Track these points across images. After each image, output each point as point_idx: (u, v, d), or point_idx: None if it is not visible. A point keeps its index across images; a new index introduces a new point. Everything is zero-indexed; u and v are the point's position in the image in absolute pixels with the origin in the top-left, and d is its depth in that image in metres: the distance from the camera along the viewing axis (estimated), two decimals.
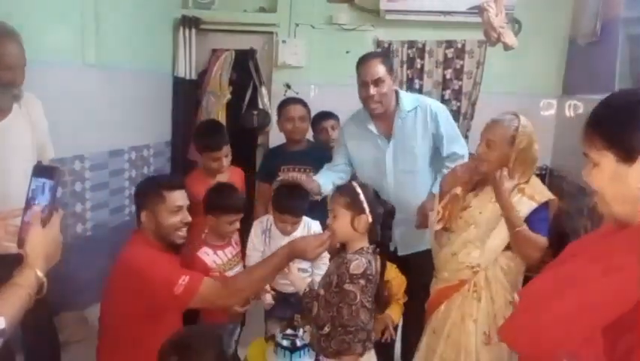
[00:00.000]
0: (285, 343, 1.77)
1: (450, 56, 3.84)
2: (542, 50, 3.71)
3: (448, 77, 3.87)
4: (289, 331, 1.81)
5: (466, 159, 2.28)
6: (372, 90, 2.21)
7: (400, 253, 2.40)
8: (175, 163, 4.11)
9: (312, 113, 2.96)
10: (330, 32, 3.99)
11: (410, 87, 3.87)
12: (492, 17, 2.50)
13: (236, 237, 2.34)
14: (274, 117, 3.76)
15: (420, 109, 2.32)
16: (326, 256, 2.09)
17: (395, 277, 2.12)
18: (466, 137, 3.78)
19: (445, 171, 2.22)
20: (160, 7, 3.88)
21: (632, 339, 0.97)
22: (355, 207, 1.68)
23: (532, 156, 1.86)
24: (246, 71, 4.12)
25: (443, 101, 3.83)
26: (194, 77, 4.10)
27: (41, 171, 1.10)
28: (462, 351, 1.88)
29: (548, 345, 1.05)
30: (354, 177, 2.56)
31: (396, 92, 2.34)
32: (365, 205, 1.68)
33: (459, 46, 3.82)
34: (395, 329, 2.21)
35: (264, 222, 2.35)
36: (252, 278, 1.73)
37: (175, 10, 4.07)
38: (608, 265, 0.97)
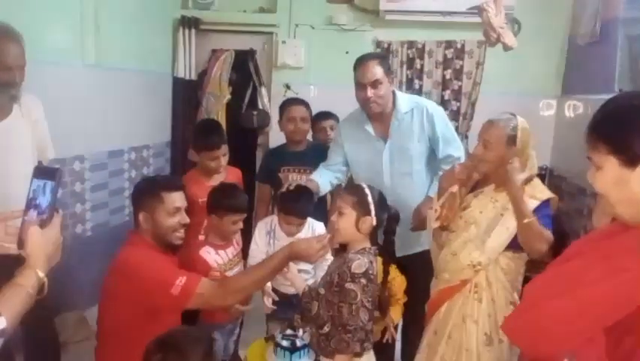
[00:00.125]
0: (284, 343, 1.77)
1: (449, 56, 3.85)
2: (542, 50, 3.72)
3: (447, 77, 3.87)
4: (289, 331, 1.81)
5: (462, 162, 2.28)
6: (370, 92, 2.20)
7: (397, 255, 2.40)
8: (175, 164, 4.10)
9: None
10: (329, 33, 3.99)
11: (410, 87, 3.88)
12: (491, 17, 2.51)
13: (237, 237, 2.34)
14: (274, 117, 3.77)
15: (416, 110, 2.32)
16: (329, 257, 2.10)
17: (395, 277, 2.12)
18: (465, 137, 3.79)
19: (441, 173, 2.21)
20: (160, 8, 3.88)
21: (635, 340, 0.97)
22: (362, 208, 1.69)
23: (526, 155, 1.87)
24: (245, 71, 4.12)
25: (443, 101, 3.84)
26: (193, 77, 4.10)
27: (42, 171, 1.10)
28: (463, 352, 1.88)
29: (550, 344, 1.05)
30: (350, 178, 2.57)
31: (393, 93, 2.34)
32: (372, 208, 1.68)
33: (458, 46, 3.82)
34: (395, 329, 2.21)
35: (268, 224, 2.34)
36: (251, 279, 1.73)
37: (175, 10, 4.07)
38: (613, 266, 0.97)
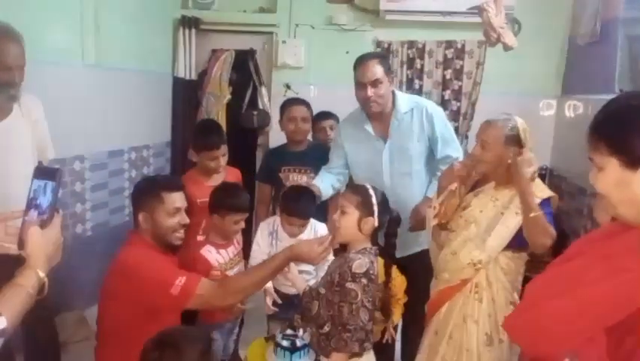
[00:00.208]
0: (284, 343, 1.76)
1: (450, 56, 3.84)
2: (542, 50, 3.71)
3: (447, 77, 3.87)
4: (289, 331, 1.81)
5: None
6: (370, 92, 2.20)
7: (397, 255, 2.40)
8: (175, 164, 4.10)
9: None
10: (329, 33, 3.99)
11: (410, 87, 3.88)
12: (492, 17, 2.50)
13: (238, 236, 2.34)
14: (274, 117, 3.77)
15: (416, 110, 2.31)
16: (330, 257, 2.10)
17: (395, 278, 2.12)
18: (466, 137, 3.79)
19: (439, 174, 2.21)
20: (160, 8, 3.88)
21: (636, 341, 0.97)
22: (365, 209, 1.69)
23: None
24: (245, 71, 4.12)
25: (443, 101, 3.84)
26: (194, 77, 4.10)
27: (43, 172, 1.10)
28: (464, 352, 1.88)
29: (550, 343, 1.05)
30: (350, 179, 2.56)
31: (393, 93, 2.33)
32: (375, 209, 1.68)
33: (459, 46, 3.82)
34: (395, 329, 2.21)
35: (270, 224, 2.34)
36: (251, 280, 1.73)
37: (175, 10, 4.07)
38: (614, 266, 0.97)
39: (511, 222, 1.84)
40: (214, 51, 4.15)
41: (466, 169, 1.95)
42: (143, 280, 1.67)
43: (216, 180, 2.52)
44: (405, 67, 3.90)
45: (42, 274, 1.02)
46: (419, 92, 3.83)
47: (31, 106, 2.14)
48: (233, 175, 2.72)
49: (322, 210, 2.45)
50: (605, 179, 1.00)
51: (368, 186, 1.75)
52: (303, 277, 1.96)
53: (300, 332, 1.80)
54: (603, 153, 0.99)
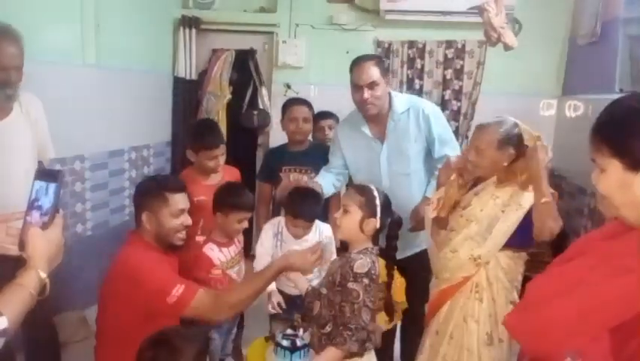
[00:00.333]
0: (285, 343, 1.77)
1: (450, 56, 3.85)
2: (542, 50, 3.72)
3: (448, 77, 3.87)
4: (289, 331, 1.81)
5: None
6: (367, 94, 2.19)
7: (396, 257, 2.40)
8: (175, 163, 4.10)
9: None
10: (330, 32, 3.99)
11: (410, 87, 3.88)
12: (492, 17, 2.51)
13: (238, 235, 2.34)
14: (274, 117, 3.77)
15: (412, 110, 2.31)
16: (333, 257, 2.10)
17: (395, 279, 2.12)
18: (466, 137, 3.79)
19: (437, 173, 2.21)
20: (160, 8, 3.88)
21: (638, 341, 0.97)
22: (368, 209, 1.69)
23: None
24: (246, 71, 4.12)
25: (443, 101, 3.84)
26: (194, 77, 4.10)
27: (44, 173, 1.09)
28: (464, 352, 1.88)
29: (551, 343, 1.05)
30: (349, 179, 2.57)
31: (390, 94, 2.33)
32: (378, 210, 1.68)
33: (459, 46, 3.82)
34: (395, 329, 2.21)
35: (275, 225, 2.33)
36: (246, 293, 1.73)
37: (175, 10, 4.07)
38: (617, 267, 0.97)
39: (512, 217, 1.84)
40: (214, 51, 4.16)
41: (462, 161, 1.95)
42: (142, 284, 1.67)
43: (214, 179, 2.52)
44: (405, 67, 3.90)
45: (43, 275, 1.02)
46: (419, 92, 3.84)
47: (31, 105, 2.14)
48: (232, 174, 2.71)
49: (323, 208, 2.45)
50: (607, 181, 1.00)
51: (372, 187, 1.75)
52: (305, 278, 1.96)
53: (301, 331, 1.80)
54: (605, 154, 0.99)
